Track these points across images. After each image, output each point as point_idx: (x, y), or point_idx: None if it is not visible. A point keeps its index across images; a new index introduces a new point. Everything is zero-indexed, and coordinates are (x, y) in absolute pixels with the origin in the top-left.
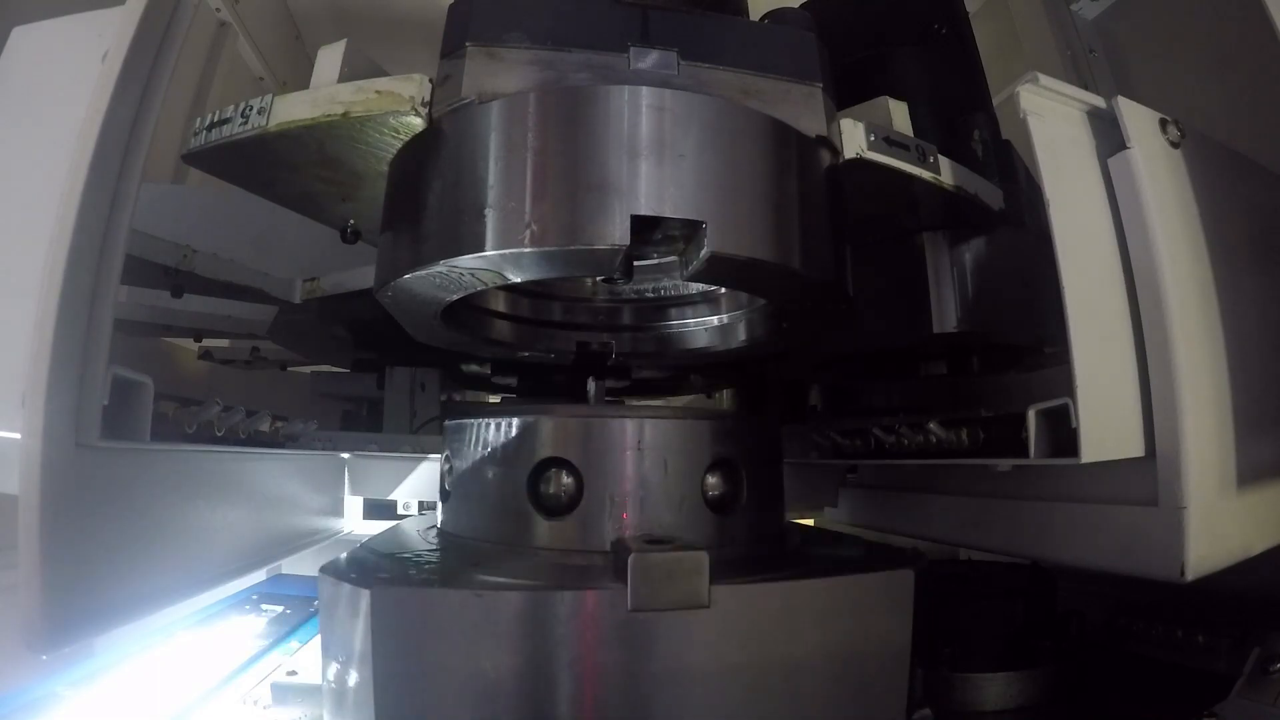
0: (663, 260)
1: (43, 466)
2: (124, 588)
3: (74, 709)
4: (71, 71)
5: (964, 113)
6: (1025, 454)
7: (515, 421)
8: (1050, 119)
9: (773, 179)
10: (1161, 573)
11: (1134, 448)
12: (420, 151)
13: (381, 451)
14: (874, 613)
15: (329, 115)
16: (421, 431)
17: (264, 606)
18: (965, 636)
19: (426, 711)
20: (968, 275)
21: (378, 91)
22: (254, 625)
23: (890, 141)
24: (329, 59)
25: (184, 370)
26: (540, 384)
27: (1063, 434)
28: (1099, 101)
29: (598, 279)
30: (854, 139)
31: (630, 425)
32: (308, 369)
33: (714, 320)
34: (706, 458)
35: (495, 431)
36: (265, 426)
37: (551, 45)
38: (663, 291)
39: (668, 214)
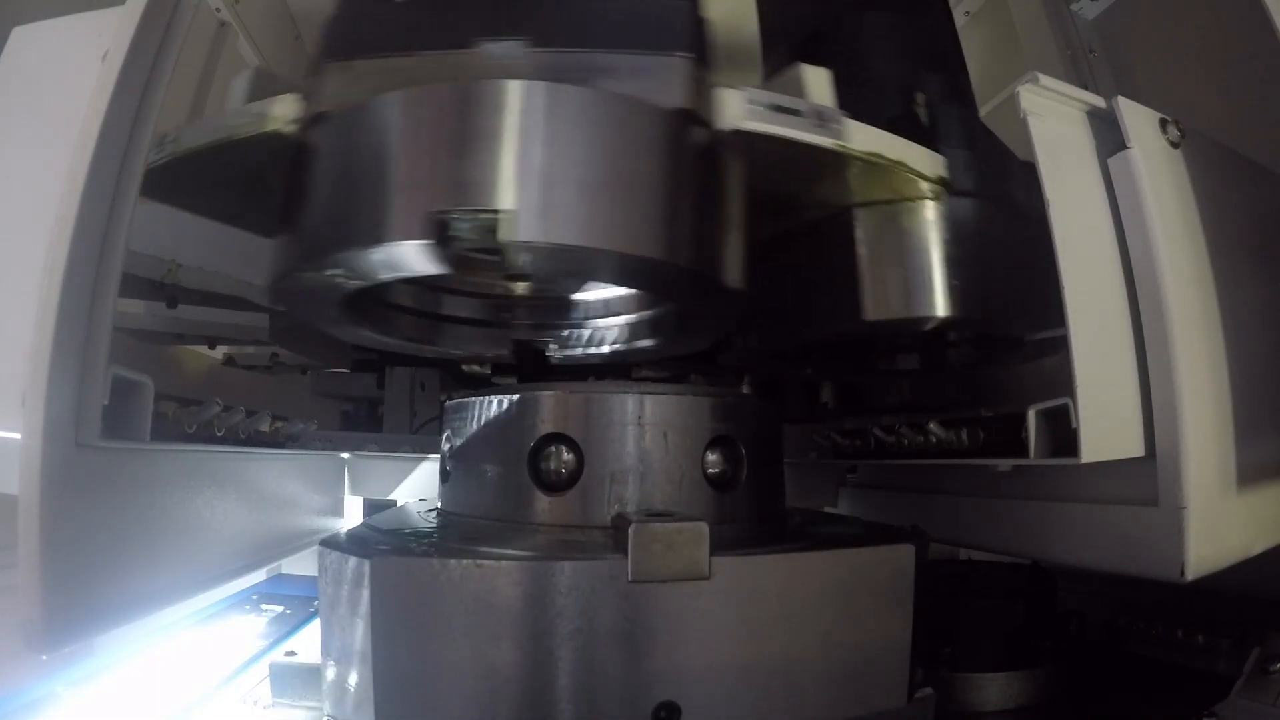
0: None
1: (43, 466)
2: (124, 587)
3: (74, 709)
4: (71, 71)
5: (920, 78)
6: (1025, 454)
7: (515, 398)
8: (1050, 119)
9: (609, 159)
10: (1161, 573)
11: (1134, 448)
12: (291, 163)
13: (381, 451)
14: (875, 587)
15: (221, 139)
16: (421, 431)
17: (264, 606)
18: (965, 636)
19: (426, 684)
20: (917, 254)
21: (256, 114)
22: (254, 625)
23: (778, 109)
24: (239, 87)
25: (184, 370)
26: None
27: (1063, 434)
28: (1099, 101)
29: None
30: (731, 109)
31: (631, 401)
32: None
33: (619, 319)
34: (706, 434)
35: (496, 409)
36: (265, 426)
37: (401, 51)
38: (565, 291)
39: (481, 206)
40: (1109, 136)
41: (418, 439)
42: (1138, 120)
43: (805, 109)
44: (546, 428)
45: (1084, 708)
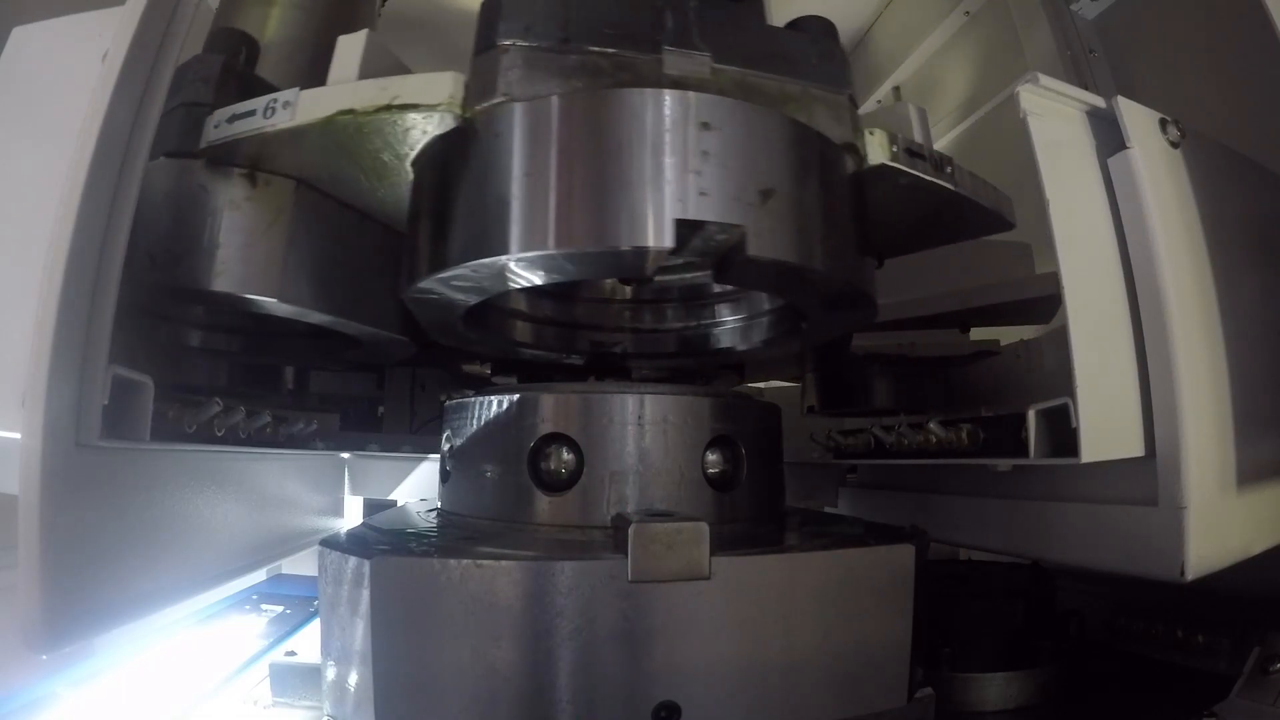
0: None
1: (43, 466)
2: (124, 587)
3: (74, 709)
4: (71, 71)
5: None
6: (1025, 454)
7: (516, 398)
8: (1050, 119)
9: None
10: (1161, 573)
11: (1134, 448)
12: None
13: (381, 451)
14: (875, 587)
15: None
16: (421, 431)
17: (264, 606)
18: (965, 636)
19: (426, 684)
20: None
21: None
22: (254, 625)
23: (235, 118)
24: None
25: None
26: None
27: (1063, 434)
28: (1099, 101)
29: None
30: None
31: (631, 401)
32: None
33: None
34: (706, 434)
35: (496, 409)
36: (265, 426)
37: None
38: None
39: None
40: (1109, 136)
41: (418, 439)
42: (1138, 120)
43: (261, 105)
44: (546, 428)
45: (1084, 708)
